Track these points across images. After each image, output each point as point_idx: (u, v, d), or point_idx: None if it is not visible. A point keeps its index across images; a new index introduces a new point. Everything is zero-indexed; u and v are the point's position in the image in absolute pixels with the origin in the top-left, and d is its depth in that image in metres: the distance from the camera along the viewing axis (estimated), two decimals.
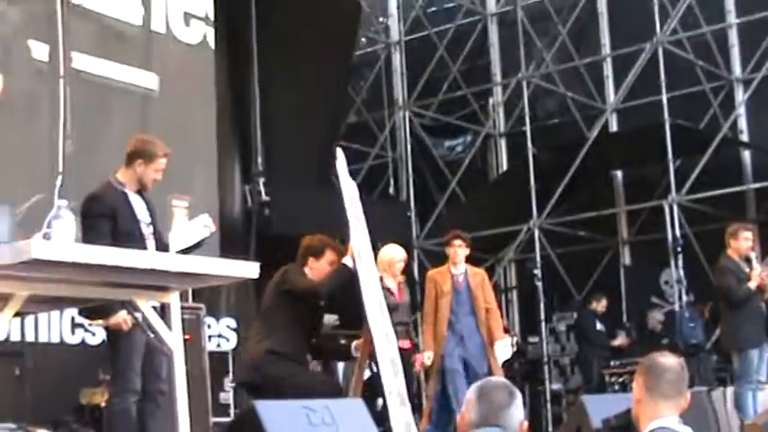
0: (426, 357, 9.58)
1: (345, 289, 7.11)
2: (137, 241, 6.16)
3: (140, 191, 6.53)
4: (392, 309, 8.71)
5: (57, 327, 10.51)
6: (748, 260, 10.06)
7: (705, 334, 14.43)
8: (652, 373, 4.09)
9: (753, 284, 9.82)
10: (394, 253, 9.54)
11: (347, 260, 7.03)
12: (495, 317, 9.75)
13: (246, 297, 12.86)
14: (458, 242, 9.83)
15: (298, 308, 7.19)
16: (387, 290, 8.97)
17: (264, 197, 13.71)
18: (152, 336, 5.27)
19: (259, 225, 13.40)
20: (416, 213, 17.81)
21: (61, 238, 4.39)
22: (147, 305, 5.19)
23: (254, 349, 7.19)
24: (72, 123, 10.16)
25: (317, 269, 7.29)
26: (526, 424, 3.72)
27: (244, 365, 7.59)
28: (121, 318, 6.11)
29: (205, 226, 6.47)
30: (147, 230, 6.45)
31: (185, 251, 6.25)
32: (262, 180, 13.82)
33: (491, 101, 19.10)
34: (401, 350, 8.75)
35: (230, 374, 10.53)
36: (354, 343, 7.63)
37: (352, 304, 7.02)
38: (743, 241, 10.08)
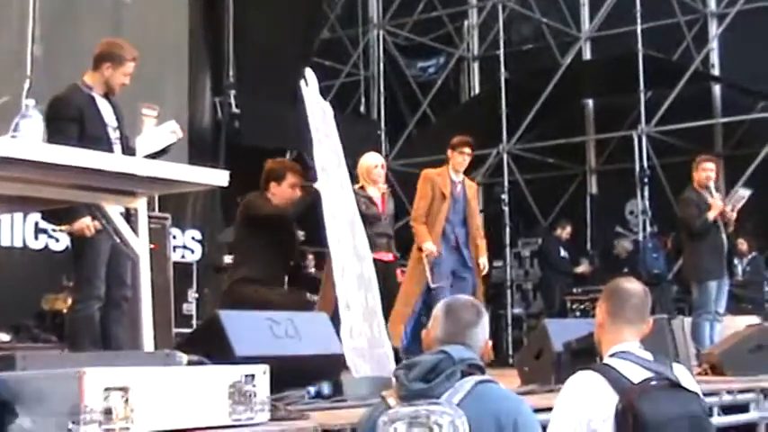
0: (429, 247, 9.00)
1: (311, 208, 7.06)
2: (104, 145, 6.08)
3: (108, 95, 6.44)
4: (374, 219, 8.70)
5: (20, 231, 10.47)
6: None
7: (667, 264, 14.57)
8: (617, 299, 4.11)
9: (711, 215, 9.86)
10: (370, 160, 9.14)
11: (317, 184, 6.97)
12: (480, 234, 9.43)
13: (212, 210, 12.85)
14: (468, 150, 9.26)
15: (267, 234, 7.15)
16: (369, 199, 8.81)
17: (235, 109, 13.64)
18: (118, 240, 5.24)
19: (229, 136, 13.33)
20: (386, 133, 17.77)
21: (28, 137, 4.32)
22: (113, 209, 5.15)
23: (230, 278, 7.18)
24: (41, 28, 10.03)
25: (279, 193, 7.22)
26: (490, 344, 3.74)
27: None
28: (86, 223, 6.06)
29: (172, 132, 6.41)
30: (114, 135, 6.38)
31: (151, 156, 6.18)
32: (233, 92, 13.73)
33: (466, 23, 18.98)
34: (384, 263, 8.70)
35: (194, 286, 10.53)
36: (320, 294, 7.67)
37: (317, 222, 6.97)
38: (702, 172, 10.12)
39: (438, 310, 3.73)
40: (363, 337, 6.38)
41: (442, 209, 9.05)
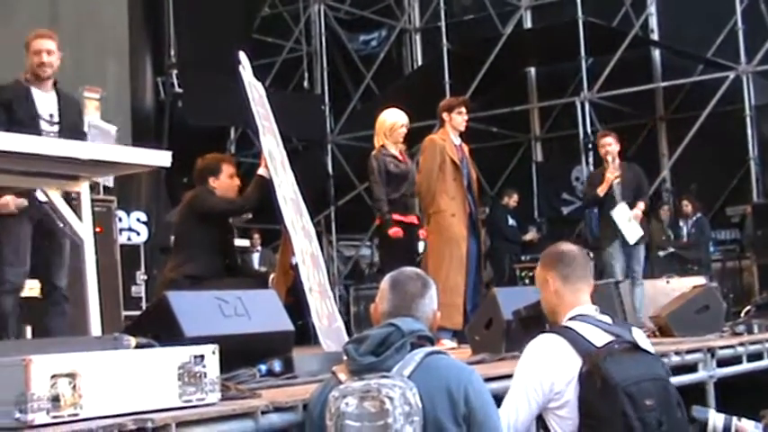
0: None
1: (266, 195, 7.00)
2: (31, 134, 6.04)
3: (56, 86, 6.44)
4: (402, 178, 8.38)
5: None
6: None
7: None
8: (564, 262, 4.13)
9: (600, 190, 9.99)
10: (396, 117, 8.50)
11: (261, 170, 6.91)
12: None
13: (157, 191, 12.77)
14: (465, 109, 8.76)
15: (212, 229, 7.07)
16: (394, 158, 8.37)
17: (177, 89, 13.54)
18: (62, 225, 5.20)
19: (172, 116, 13.24)
20: (331, 107, 17.75)
21: None
22: (56, 194, 5.11)
23: (170, 276, 7.04)
24: None
25: (219, 186, 7.15)
26: (439, 314, 3.76)
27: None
28: (6, 200, 6.05)
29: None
30: (50, 128, 6.33)
31: None
32: (174, 72, 13.63)
33: None
34: (414, 226, 8.52)
35: (142, 268, 10.47)
36: (271, 276, 7.58)
37: (267, 205, 6.93)
38: (600, 148, 10.26)
39: (384, 283, 3.75)
40: (325, 317, 6.41)
41: (457, 176, 8.55)
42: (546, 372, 3.90)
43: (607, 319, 4.06)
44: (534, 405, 3.90)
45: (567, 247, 4.25)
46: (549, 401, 3.90)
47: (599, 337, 3.91)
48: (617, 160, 10.09)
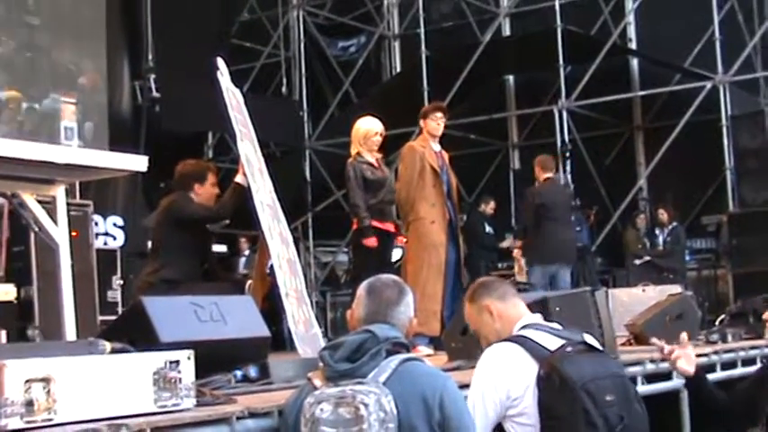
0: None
1: (243, 202, 7.00)
2: None
3: None
4: (379, 185, 8.31)
5: None
6: None
7: (590, 237, 14.74)
8: (492, 287, 4.25)
9: None
10: (370, 125, 8.44)
11: (239, 178, 6.91)
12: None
13: (134, 196, 12.71)
14: (441, 115, 8.72)
15: (190, 235, 7.07)
16: (368, 164, 8.30)
17: (155, 93, 13.50)
18: (38, 230, 5.17)
19: (149, 121, 13.19)
20: (309, 113, 17.74)
21: None
22: (31, 199, 5.09)
23: (147, 280, 7.03)
24: None
25: (203, 193, 7.15)
26: (415, 321, 3.76)
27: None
28: None
29: None
30: None
31: None
32: (152, 76, 13.59)
33: (386, 2, 18.98)
34: (390, 233, 8.43)
35: (118, 272, 10.42)
36: (248, 282, 7.57)
37: (244, 211, 6.93)
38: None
39: (361, 289, 3.75)
40: (302, 322, 6.41)
41: (437, 183, 8.52)
42: (501, 379, 3.95)
43: (556, 325, 4.13)
44: (492, 414, 3.93)
45: (484, 279, 4.45)
46: (507, 409, 3.93)
47: (552, 342, 3.97)
48: None
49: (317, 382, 3.44)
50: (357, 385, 3.34)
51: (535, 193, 11.36)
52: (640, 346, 7.58)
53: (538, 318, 4.17)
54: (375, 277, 3.81)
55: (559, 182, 12.92)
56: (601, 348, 4.07)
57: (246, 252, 14.51)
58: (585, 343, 3.99)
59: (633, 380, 6.27)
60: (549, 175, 11.60)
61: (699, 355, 6.88)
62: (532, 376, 3.87)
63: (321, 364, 3.50)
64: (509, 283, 4.33)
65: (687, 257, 15.03)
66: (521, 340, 4.00)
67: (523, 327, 4.09)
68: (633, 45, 17.15)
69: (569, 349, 3.91)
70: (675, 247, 14.55)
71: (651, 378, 6.48)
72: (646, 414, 3.95)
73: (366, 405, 3.29)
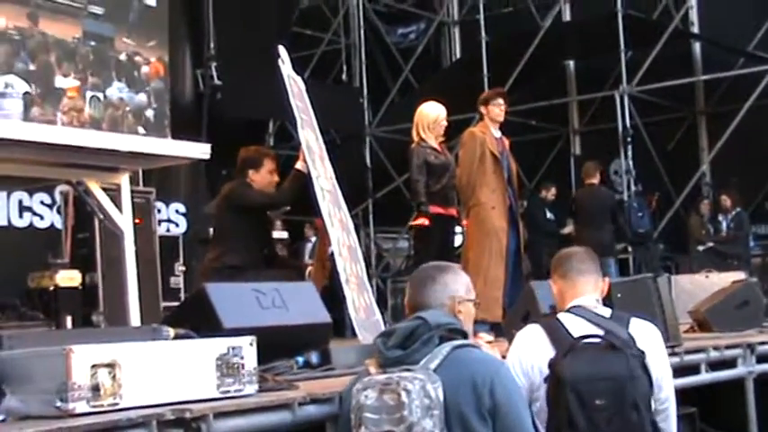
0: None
1: (304, 189, 7.02)
2: None
3: None
4: (443, 170, 8.27)
5: (4, 210, 10.42)
6: None
7: (652, 223, 14.62)
8: (561, 261, 4.23)
9: None
10: (438, 110, 8.37)
11: (299, 165, 6.94)
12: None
13: (196, 183, 12.81)
14: (502, 101, 8.74)
15: (250, 221, 7.11)
16: (432, 149, 8.25)
17: (217, 81, 13.58)
18: (102, 217, 5.24)
19: (211, 109, 13.28)
20: (369, 100, 17.75)
21: (9, 115, 4.32)
22: (96, 186, 5.16)
23: (210, 266, 7.08)
24: None
25: (258, 180, 7.18)
26: (464, 302, 3.68)
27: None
28: None
29: None
30: None
31: None
32: (214, 64, 13.67)
33: None
34: (453, 218, 8.46)
35: (180, 259, 10.52)
36: (309, 269, 7.60)
37: (307, 198, 6.95)
38: None
39: (416, 276, 3.77)
40: (362, 309, 6.43)
41: (497, 170, 8.53)
42: (521, 362, 3.97)
43: (605, 311, 4.07)
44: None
45: (568, 249, 4.40)
46: (528, 392, 3.92)
47: (580, 330, 3.93)
48: None
49: (372, 369, 3.45)
50: (404, 372, 3.34)
51: (572, 198, 12.82)
52: (704, 333, 7.52)
53: (590, 300, 4.08)
54: (427, 264, 3.84)
55: (597, 187, 13.32)
56: (642, 341, 3.93)
57: (313, 238, 14.58)
58: (609, 338, 3.89)
59: (696, 368, 6.23)
60: (592, 181, 13.14)
61: (764, 343, 6.86)
62: (547, 363, 3.88)
63: (377, 351, 3.51)
64: (581, 258, 4.20)
65: (751, 243, 14.86)
66: (550, 324, 4.00)
67: (569, 309, 4.06)
68: (695, 29, 16.95)
69: (584, 342, 3.86)
70: (739, 233, 14.39)
71: (715, 366, 6.42)
72: (644, 423, 3.81)
73: (408, 392, 3.27)
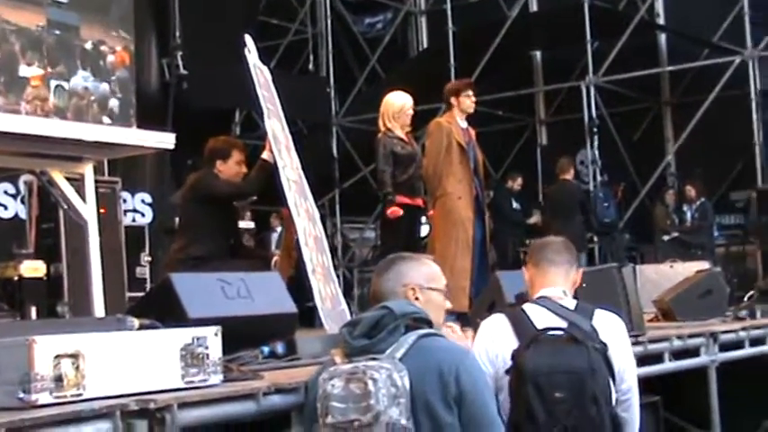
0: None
1: (270, 179, 7.01)
2: None
3: None
4: (410, 160, 8.29)
5: None
6: None
7: (618, 213, 14.70)
8: (535, 249, 4.29)
9: None
10: (404, 99, 8.40)
11: (265, 155, 6.92)
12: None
13: (162, 172, 12.76)
14: (471, 92, 8.74)
15: (216, 211, 7.09)
16: (399, 139, 8.27)
17: (182, 71, 13.52)
18: (66, 207, 5.22)
19: (176, 98, 13.22)
20: (336, 90, 17.73)
21: None
22: (60, 176, 5.13)
23: (176, 257, 7.05)
24: None
25: (225, 170, 7.16)
26: (420, 284, 3.70)
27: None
28: None
29: None
30: None
31: None
32: (180, 53, 13.61)
33: None
34: (418, 208, 8.45)
35: (146, 249, 10.48)
36: (275, 259, 7.59)
37: (274, 188, 6.94)
38: None
39: (378, 266, 3.78)
40: (328, 299, 6.43)
41: (463, 160, 8.54)
42: (485, 351, 4.01)
43: (571, 303, 4.09)
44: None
45: (545, 239, 4.43)
46: (494, 377, 3.96)
47: (544, 321, 3.96)
48: None
49: (338, 359, 3.46)
50: (370, 361, 3.34)
51: (544, 194, 13.23)
52: (668, 322, 7.58)
53: (557, 291, 4.11)
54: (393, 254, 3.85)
55: (569, 183, 13.52)
56: (605, 334, 3.97)
57: (278, 228, 14.58)
58: (566, 331, 3.91)
59: (659, 356, 6.28)
60: (566, 176, 13.38)
61: (727, 332, 6.93)
62: (510, 354, 3.91)
63: (342, 340, 3.52)
64: (555, 249, 4.23)
65: (716, 233, 14.98)
66: (514, 314, 4.04)
67: (536, 299, 4.09)
68: (661, 20, 17.04)
69: (546, 334, 3.89)
70: (703, 223, 14.50)
71: (678, 354, 6.47)
72: (603, 417, 3.83)
73: (375, 380, 3.28)
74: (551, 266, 4.18)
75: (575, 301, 4.11)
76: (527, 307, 4.06)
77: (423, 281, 3.70)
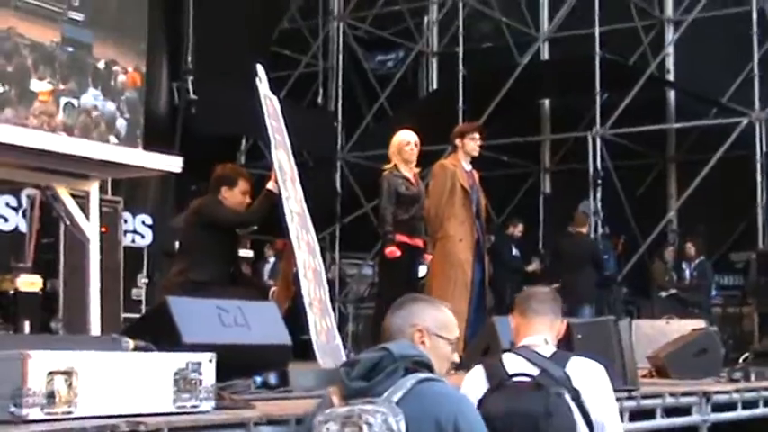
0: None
1: (272, 210, 7.02)
2: None
3: None
4: (413, 201, 8.34)
5: None
6: None
7: (617, 266, 14.68)
8: (521, 299, 4.32)
9: None
10: (404, 135, 8.49)
11: (271, 185, 6.93)
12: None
13: (165, 195, 12.77)
14: (478, 135, 8.79)
15: (218, 238, 7.10)
16: (406, 179, 8.35)
17: (192, 95, 13.55)
18: (69, 223, 5.21)
19: (185, 123, 13.25)
20: (343, 125, 17.76)
21: None
22: (65, 192, 5.13)
23: (175, 280, 7.04)
24: None
25: (230, 198, 7.18)
26: (428, 328, 3.67)
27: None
28: None
29: None
30: None
31: None
32: (190, 78, 13.65)
33: (426, 19, 19.02)
34: (415, 248, 8.43)
35: (144, 271, 10.47)
36: (272, 290, 7.59)
37: (272, 218, 6.94)
38: None
39: (395, 302, 3.75)
40: (323, 333, 6.41)
41: (466, 204, 8.58)
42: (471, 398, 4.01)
43: (548, 351, 4.11)
44: None
45: (531, 289, 4.54)
46: None
47: (516, 368, 4.02)
48: None
49: (335, 400, 3.41)
50: (367, 405, 3.28)
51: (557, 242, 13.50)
52: (662, 378, 7.55)
53: (538, 340, 4.13)
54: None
55: (584, 237, 13.75)
56: (578, 381, 3.98)
57: (272, 259, 14.56)
58: (533, 378, 3.96)
59: (652, 412, 6.25)
60: (580, 230, 13.55)
61: (720, 392, 6.90)
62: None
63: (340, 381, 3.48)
64: (540, 298, 4.27)
65: (713, 293, 14.94)
66: (489, 364, 4.12)
67: (516, 348, 4.15)
68: (671, 76, 17.11)
69: (509, 382, 3.97)
70: (702, 282, 14.48)
71: (671, 412, 6.44)
72: None
73: (370, 425, 3.22)
74: (536, 316, 4.22)
75: (553, 349, 4.14)
76: (505, 356, 4.13)
77: (433, 326, 3.64)
